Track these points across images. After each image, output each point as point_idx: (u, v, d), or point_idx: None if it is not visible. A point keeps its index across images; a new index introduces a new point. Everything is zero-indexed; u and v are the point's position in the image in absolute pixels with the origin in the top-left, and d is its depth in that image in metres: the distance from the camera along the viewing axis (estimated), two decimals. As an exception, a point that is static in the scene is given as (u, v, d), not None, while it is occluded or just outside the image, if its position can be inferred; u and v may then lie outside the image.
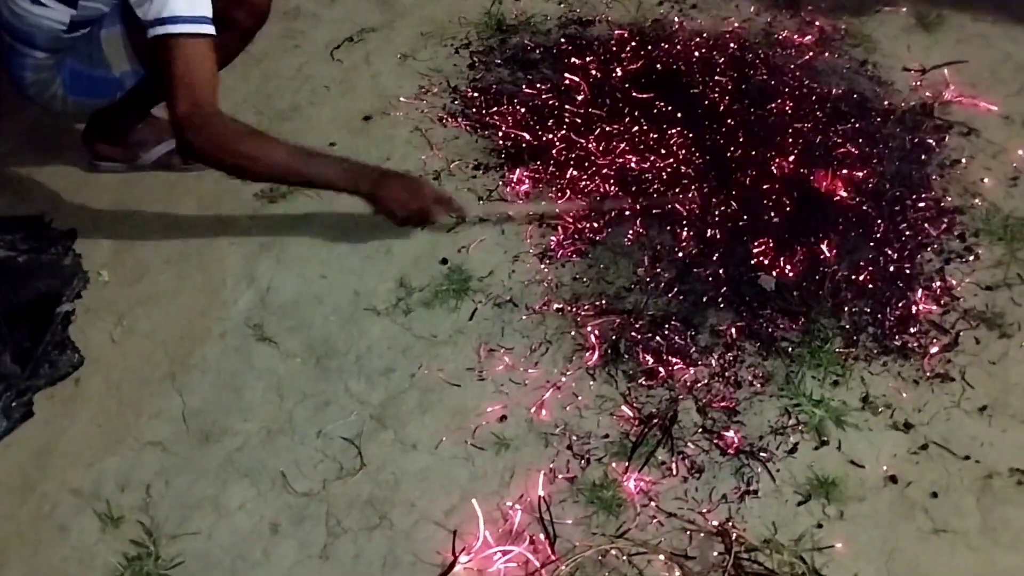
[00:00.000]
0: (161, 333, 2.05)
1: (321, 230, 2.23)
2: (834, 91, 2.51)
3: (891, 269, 2.10)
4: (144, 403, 1.93)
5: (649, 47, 2.66)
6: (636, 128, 2.41)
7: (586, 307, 2.06)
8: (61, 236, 2.20)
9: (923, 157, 2.36)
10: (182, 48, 1.80)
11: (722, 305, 2.05)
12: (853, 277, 2.08)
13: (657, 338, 1.99)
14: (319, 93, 2.62)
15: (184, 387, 1.95)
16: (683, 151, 2.35)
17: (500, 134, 2.45)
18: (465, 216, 2.20)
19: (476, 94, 2.57)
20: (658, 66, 2.58)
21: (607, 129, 2.42)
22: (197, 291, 2.13)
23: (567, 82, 2.55)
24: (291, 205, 2.30)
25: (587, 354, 1.98)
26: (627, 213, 2.22)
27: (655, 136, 2.39)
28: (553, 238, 2.20)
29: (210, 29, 1.83)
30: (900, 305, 2.04)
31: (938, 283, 2.09)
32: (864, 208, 2.22)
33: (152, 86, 2.12)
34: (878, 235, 2.17)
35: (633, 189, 2.27)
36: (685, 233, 2.18)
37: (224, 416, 1.91)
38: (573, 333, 2.02)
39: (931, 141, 2.40)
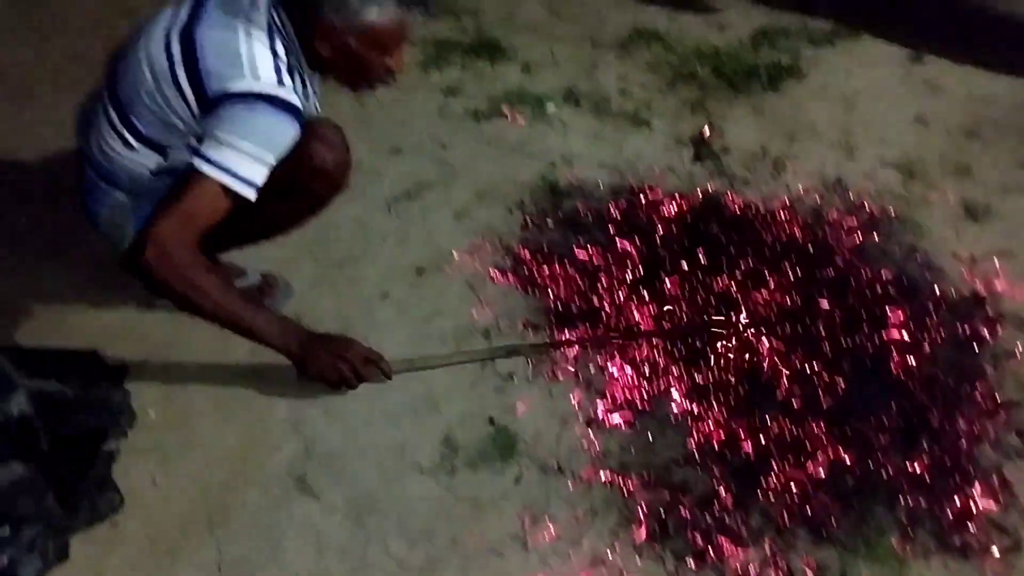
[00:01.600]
0: (203, 479, 2.02)
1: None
2: (884, 274, 2.53)
3: (947, 461, 2.06)
4: (181, 551, 1.89)
5: (700, 220, 2.71)
6: (681, 298, 2.44)
7: (633, 478, 2.03)
8: (113, 371, 2.21)
9: (976, 347, 2.34)
10: (209, 188, 1.82)
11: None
12: (908, 467, 2.04)
13: (707, 517, 1.95)
14: (375, 244, 2.66)
15: (222, 537, 1.91)
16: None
17: (551, 294, 2.48)
18: (391, 375, 2.10)
19: (528, 253, 2.61)
20: (707, 239, 2.63)
21: (655, 296, 2.44)
22: (242, 437, 2.12)
23: (618, 248, 2.60)
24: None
25: (634, 528, 1.93)
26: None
27: (701, 304, 2.41)
28: (600, 403, 2.19)
29: (248, 193, 1.85)
30: (957, 499, 1.99)
31: (996, 479, 2.04)
32: (918, 397, 2.20)
33: (221, 234, 2.17)
34: (933, 425, 2.13)
35: (679, 356, 2.28)
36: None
37: (261, 570, 1.86)
38: (620, 505, 1.98)
39: (984, 331, 2.38)
